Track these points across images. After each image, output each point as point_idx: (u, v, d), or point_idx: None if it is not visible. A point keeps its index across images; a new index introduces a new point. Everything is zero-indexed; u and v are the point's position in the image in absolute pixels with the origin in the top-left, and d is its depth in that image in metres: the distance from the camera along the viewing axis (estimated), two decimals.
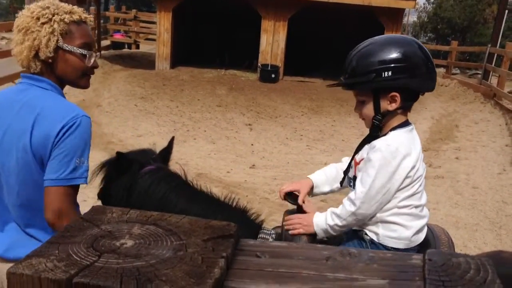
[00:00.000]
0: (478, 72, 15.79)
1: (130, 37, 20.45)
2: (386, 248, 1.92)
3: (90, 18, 1.94)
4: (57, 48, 1.80)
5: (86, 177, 1.82)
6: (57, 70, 1.85)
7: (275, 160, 7.86)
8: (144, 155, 2.33)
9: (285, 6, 13.77)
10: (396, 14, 13.66)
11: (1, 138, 1.77)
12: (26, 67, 1.85)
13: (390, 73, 1.85)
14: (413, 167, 1.88)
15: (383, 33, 12.46)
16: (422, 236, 1.99)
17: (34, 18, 1.79)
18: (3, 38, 19.89)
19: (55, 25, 1.78)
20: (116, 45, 19.73)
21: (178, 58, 15.39)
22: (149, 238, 0.73)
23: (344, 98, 12.49)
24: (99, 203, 2.38)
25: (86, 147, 1.81)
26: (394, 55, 1.86)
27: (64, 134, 1.72)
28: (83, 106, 9.95)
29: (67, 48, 1.82)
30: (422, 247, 1.96)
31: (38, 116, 1.72)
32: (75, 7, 1.91)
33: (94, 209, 0.80)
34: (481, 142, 8.69)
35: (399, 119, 1.97)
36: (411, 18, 34.66)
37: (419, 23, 34.00)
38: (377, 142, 1.94)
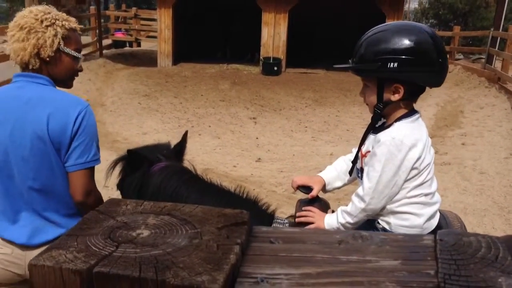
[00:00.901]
0: (482, 56, 15.70)
1: (131, 35, 20.45)
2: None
3: (79, 27, 2.19)
4: (57, 50, 2.03)
5: (99, 158, 2.12)
6: (52, 69, 2.06)
7: (280, 152, 7.87)
8: (157, 150, 2.40)
9: None
10: (397, 2, 13.60)
11: (11, 130, 1.93)
12: (24, 63, 2.03)
13: (396, 64, 1.81)
14: (419, 158, 1.87)
15: (384, 21, 12.46)
16: (434, 223, 1.99)
17: (38, 20, 1.99)
18: (4, 41, 19.93)
19: (58, 29, 2.02)
20: (118, 44, 19.72)
21: (180, 55, 15.39)
22: (164, 227, 0.75)
23: (348, 88, 12.47)
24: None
25: (96, 132, 2.08)
26: (403, 46, 1.80)
27: (80, 122, 1.96)
28: None
29: (66, 51, 2.05)
30: (435, 231, 1.87)
31: (51, 108, 1.93)
32: (69, 16, 2.17)
33: (109, 201, 0.82)
34: (487, 127, 8.65)
35: (403, 110, 1.95)
36: (412, 4, 34.46)
37: (421, 10, 33.79)
38: (382, 136, 1.91)
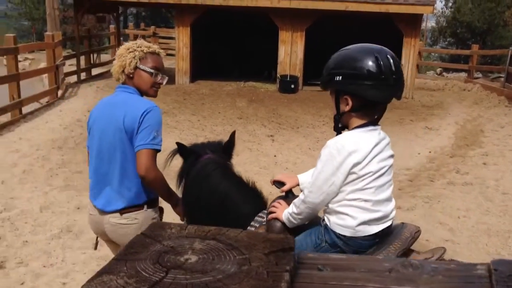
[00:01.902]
0: (501, 75, 15.55)
1: None
2: (334, 233, 2.11)
3: (163, 52, 2.91)
4: (136, 67, 2.71)
5: (161, 146, 2.68)
6: (135, 82, 2.75)
7: (298, 171, 7.81)
8: (208, 146, 2.85)
9: (302, 17, 13.81)
10: (414, 20, 13.58)
11: (103, 124, 2.70)
12: (117, 78, 2.79)
13: (340, 77, 2.06)
14: (358, 164, 2.02)
15: (401, 40, 12.40)
16: (371, 229, 2.08)
17: (126, 49, 2.76)
18: (26, 59, 20.34)
19: (136, 53, 2.71)
20: None
21: (198, 72, 15.52)
22: (212, 253, 0.73)
23: None
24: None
25: (159, 126, 2.68)
26: (348, 62, 2.06)
27: (145, 115, 2.59)
28: None
29: (141, 67, 2.72)
30: (380, 238, 2.11)
31: (127, 107, 2.63)
32: (155, 44, 2.94)
33: (153, 225, 0.81)
34: (509, 147, 8.52)
35: (358, 121, 2.12)
36: (429, 23, 34.42)
37: (438, 28, 33.70)
38: (329, 140, 2.14)
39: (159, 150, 2.67)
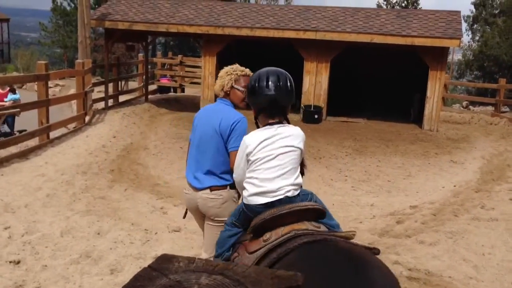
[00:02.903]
0: None
1: (175, 81, 21.10)
2: (242, 202, 2.86)
3: (251, 73, 3.47)
4: (232, 87, 3.59)
5: None
6: (230, 97, 3.62)
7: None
8: None
9: (327, 48, 13.92)
10: (440, 53, 13.53)
11: (205, 126, 3.56)
12: (217, 94, 3.67)
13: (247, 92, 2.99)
14: (250, 153, 2.80)
15: (427, 73, 12.40)
16: (259, 200, 2.70)
17: (225, 72, 3.65)
18: (56, 85, 20.93)
19: (232, 76, 3.60)
20: (162, 90, 20.38)
21: None
22: None
23: (389, 138, 12.33)
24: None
25: (245, 132, 3.32)
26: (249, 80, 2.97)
27: (236, 124, 3.45)
28: (130, 149, 10.25)
29: (235, 86, 3.59)
30: (266, 207, 2.65)
31: (223, 115, 3.51)
32: (245, 68, 3.73)
33: (161, 257, 0.81)
34: None
35: (263, 122, 2.90)
36: (456, 56, 34.25)
37: (464, 61, 33.48)
38: None
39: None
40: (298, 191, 2.74)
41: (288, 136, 2.77)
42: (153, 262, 0.79)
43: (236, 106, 3.64)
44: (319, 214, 2.62)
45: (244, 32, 14.03)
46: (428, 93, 13.66)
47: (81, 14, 13.81)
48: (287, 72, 2.90)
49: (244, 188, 2.82)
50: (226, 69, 3.66)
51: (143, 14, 14.92)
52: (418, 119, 14.47)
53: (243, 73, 3.64)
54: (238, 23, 14.19)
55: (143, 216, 6.61)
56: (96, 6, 24.98)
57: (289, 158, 2.72)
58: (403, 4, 35.67)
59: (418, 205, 7.67)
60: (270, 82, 2.77)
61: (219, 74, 3.69)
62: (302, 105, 14.24)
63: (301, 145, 2.80)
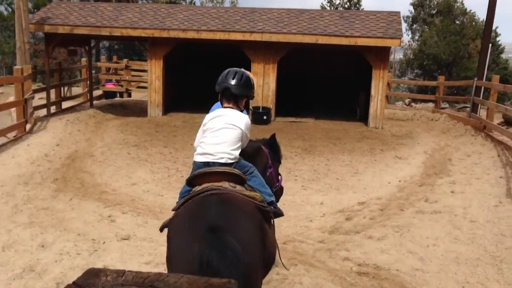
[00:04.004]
0: (467, 105, 16.01)
1: (121, 86, 20.66)
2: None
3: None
4: None
5: None
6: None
7: None
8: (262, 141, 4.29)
9: (274, 49, 14.04)
10: (382, 53, 13.95)
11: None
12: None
13: None
14: (204, 124, 3.55)
15: (371, 71, 12.78)
16: (199, 158, 3.45)
17: None
18: None
19: None
20: (108, 95, 19.88)
21: (170, 105, 15.52)
22: None
23: (337, 137, 12.58)
24: None
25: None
26: None
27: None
28: (75, 157, 9.94)
29: None
30: (204, 165, 3.39)
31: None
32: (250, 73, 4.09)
33: (87, 272, 0.78)
34: (475, 175, 8.69)
35: (222, 105, 3.67)
36: (397, 55, 35.44)
37: (406, 60, 34.70)
38: None
39: None
40: (233, 160, 3.41)
41: (233, 117, 3.49)
42: (79, 277, 0.76)
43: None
44: (240, 178, 3.34)
45: (190, 34, 13.92)
46: (373, 92, 14.04)
47: (19, 18, 13.24)
48: (245, 72, 3.71)
49: (195, 150, 3.58)
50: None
51: (84, 17, 14.51)
52: (364, 117, 14.85)
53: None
54: (184, 26, 14.07)
55: (90, 225, 6.41)
56: (35, 10, 24.07)
57: (229, 133, 3.44)
58: (346, 6, 36.54)
59: (366, 201, 7.86)
60: (228, 76, 3.60)
61: None
62: (250, 106, 14.28)
63: (242, 127, 3.48)
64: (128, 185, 8.64)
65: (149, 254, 5.55)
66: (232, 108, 3.59)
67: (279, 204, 3.91)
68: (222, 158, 3.36)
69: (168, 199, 7.99)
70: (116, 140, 11.56)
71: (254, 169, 3.58)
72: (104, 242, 5.77)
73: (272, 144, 4.25)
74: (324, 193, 8.49)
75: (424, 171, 9.46)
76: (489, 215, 6.60)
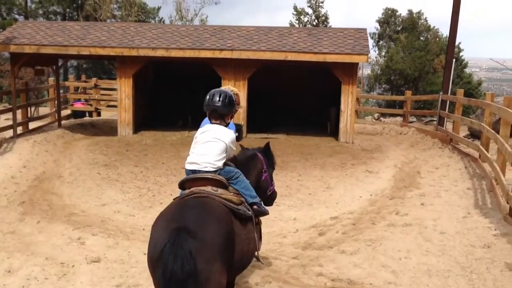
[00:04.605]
0: (434, 119, 16.40)
1: (91, 105, 20.39)
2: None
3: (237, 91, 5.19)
4: None
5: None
6: None
7: None
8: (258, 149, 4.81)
9: (244, 66, 14.13)
10: (350, 68, 14.20)
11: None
12: None
13: None
14: (195, 137, 4.07)
15: (340, 88, 12.94)
16: (188, 166, 4.01)
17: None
18: None
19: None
20: (77, 114, 19.59)
21: (141, 123, 15.39)
22: None
23: (309, 152, 12.67)
24: None
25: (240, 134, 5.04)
26: None
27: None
28: (43, 178, 9.71)
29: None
30: (191, 172, 3.96)
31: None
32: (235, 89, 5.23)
33: None
34: (444, 187, 8.87)
35: (211, 121, 4.17)
36: (365, 71, 36.15)
37: (373, 76, 35.41)
38: None
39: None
40: (216, 169, 3.92)
41: (219, 133, 4.01)
42: None
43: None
44: (222, 183, 3.89)
45: (160, 53, 13.89)
46: (342, 107, 14.24)
47: None
48: (228, 92, 4.20)
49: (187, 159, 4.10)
50: (230, 89, 4.81)
51: (51, 37, 14.31)
52: (334, 132, 15.02)
53: (235, 92, 5.00)
54: (153, 44, 14.03)
55: (58, 248, 6.24)
56: (1, 30, 23.63)
57: (213, 145, 3.96)
58: (314, 23, 37.16)
59: (338, 216, 7.90)
60: (214, 98, 4.08)
61: (231, 89, 5.05)
62: None
63: (226, 141, 3.97)
64: (98, 206, 8.47)
65: (120, 276, 5.43)
66: (219, 124, 4.10)
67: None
68: (206, 167, 3.91)
69: (139, 219, 7.86)
70: (86, 160, 11.36)
71: (240, 174, 4.09)
72: (73, 266, 5.62)
73: (267, 152, 4.81)
74: (297, 208, 8.50)
75: (394, 184, 9.59)
76: (458, 226, 6.72)
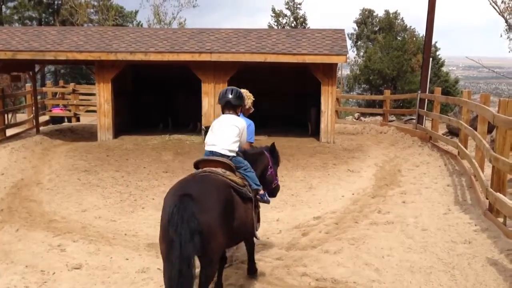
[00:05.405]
0: (413, 117, 16.59)
1: (69, 110, 20.12)
2: None
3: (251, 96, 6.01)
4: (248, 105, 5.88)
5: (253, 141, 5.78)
6: (243, 110, 5.61)
7: None
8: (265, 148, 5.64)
9: (223, 69, 14.10)
10: (329, 69, 14.28)
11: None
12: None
13: None
14: (213, 126, 4.88)
15: (320, 89, 12.99)
16: (208, 148, 4.76)
17: (247, 96, 5.76)
18: None
19: (250, 100, 5.96)
20: (56, 120, 19.30)
21: (121, 127, 15.23)
22: None
23: (290, 153, 12.68)
24: None
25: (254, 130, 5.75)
26: None
27: (247, 127, 5.16)
28: (21, 185, 9.55)
29: (248, 106, 5.89)
30: (209, 153, 4.74)
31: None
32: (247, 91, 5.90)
33: None
34: (424, 184, 8.97)
35: (224, 113, 5.01)
36: (344, 71, 36.42)
37: (352, 76, 35.70)
38: None
39: (252, 142, 5.66)
40: (231, 153, 4.68)
41: (233, 120, 4.86)
42: None
43: (245, 115, 5.71)
44: (231, 167, 4.63)
45: (138, 56, 13.78)
46: (323, 108, 14.31)
47: None
48: (238, 88, 5.12)
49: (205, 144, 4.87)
50: (246, 93, 5.65)
51: (27, 42, 14.09)
52: (315, 133, 15.08)
53: (248, 96, 5.82)
54: (132, 48, 13.91)
55: (38, 256, 6.13)
56: None
57: (229, 131, 4.75)
58: (292, 25, 37.32)
59: (321, 215, 7.93)
60: (227, 93, 4.99)
61: (247, 95, 5.69)
62: (203, 126, 14.21)
63: (240, 126, 4.81)
64: (79, 211, 8.36)
65: (102, 282, 5.36)
66: (232, 114, 4.94)
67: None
68: (222, 149, 4.64)
69: (121, 224, 7.77)
70: (65, 166, 11.19)
71: (249, 166, 4.86)
72: (54, 273, 5.53)
73: (272, 150, 5.62)
74: (280, 209, 8.51)
75: (376, 183, 9.67)
76: (439, 223, 6.80)
